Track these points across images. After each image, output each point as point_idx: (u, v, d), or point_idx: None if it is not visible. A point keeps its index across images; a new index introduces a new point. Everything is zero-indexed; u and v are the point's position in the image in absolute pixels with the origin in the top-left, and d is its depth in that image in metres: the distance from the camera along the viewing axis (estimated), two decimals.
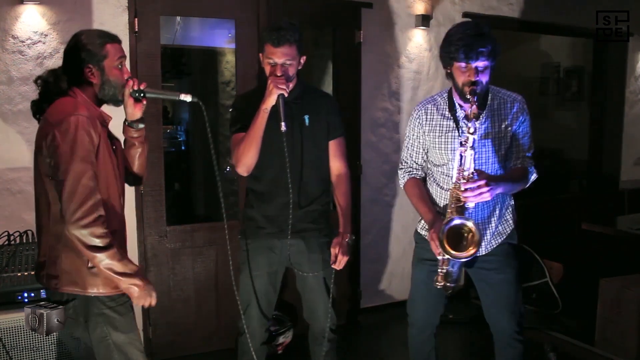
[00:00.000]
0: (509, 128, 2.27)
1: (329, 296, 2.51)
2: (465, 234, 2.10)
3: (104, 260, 1.80)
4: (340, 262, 2.41)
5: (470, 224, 2.08)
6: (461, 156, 2.11)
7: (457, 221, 2.09)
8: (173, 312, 3.44)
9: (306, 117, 2.44)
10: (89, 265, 1.87)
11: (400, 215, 4.21)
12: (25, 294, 2.48)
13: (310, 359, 2.67)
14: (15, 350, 2.42)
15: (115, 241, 1.86)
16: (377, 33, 3.93)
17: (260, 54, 2.42)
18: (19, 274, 2.48)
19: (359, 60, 3.89)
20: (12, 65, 2.92)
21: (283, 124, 2.26)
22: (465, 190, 2.05)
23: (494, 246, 2.37)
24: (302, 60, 2.42)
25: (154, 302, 1.95)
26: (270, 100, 2.29)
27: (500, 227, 2.37)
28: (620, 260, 4.09)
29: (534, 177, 2.31)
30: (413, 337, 2.55)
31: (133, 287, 1.87)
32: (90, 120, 1.84)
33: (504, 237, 2.38)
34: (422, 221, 2.44)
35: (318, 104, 2.49)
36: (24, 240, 2.70)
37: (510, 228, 2.40)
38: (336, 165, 2.54)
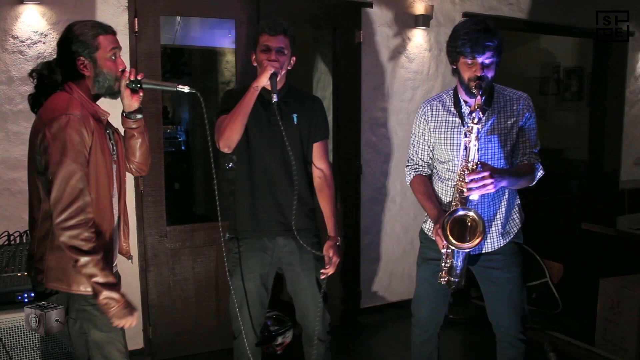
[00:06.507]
0: (515, 124, 2.27)
1: (321, 297, 2.51)
2: (469, 225, 2.10)
3: (87, 265, 1.77)
4: (333, 265, 2.44)
5: (472, 213, 2.09)
6: (466, 147, 2.10)
7: (460, 212, 2.10)
8: (173, 312, 3.44)
9: (294, 116, 2.44)
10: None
11: (400, 215, 4.21)
12: (25, 294, 2.47)
13: None
14: (15, 350, 2.42)
15: (100, 248, 1.82)
16: (377, 33, 3.93)
17: (252, 52, 2.43)
18: (19, 274, 2.48)
19: (359, 60, 3.89)
20: (12, 65, 2.92)
21: (274, 95, 2.27)
22: (469, 181, 2.04)
23: (501, 245, 2.36)
24: (293, 61, 2.43)
25: (134, 323, 1.88)
26: (263, 78, 2.29)
27: (507, 227, 2.37)
28: (620, 260, 4.09)
29: (540, 173, 2.29)
30: (416, 336, 2.55)
31: (112, 302, 1.82)
32: (82, 119, 1.82)
33: (511, 236, 2.38)
34: (428, 221, 2.44)
35: (306, 105, 2.50)
36: (24, 240, 2.70)
37: (517, 227, 2.40)
38: (320, 167, 2.53)
